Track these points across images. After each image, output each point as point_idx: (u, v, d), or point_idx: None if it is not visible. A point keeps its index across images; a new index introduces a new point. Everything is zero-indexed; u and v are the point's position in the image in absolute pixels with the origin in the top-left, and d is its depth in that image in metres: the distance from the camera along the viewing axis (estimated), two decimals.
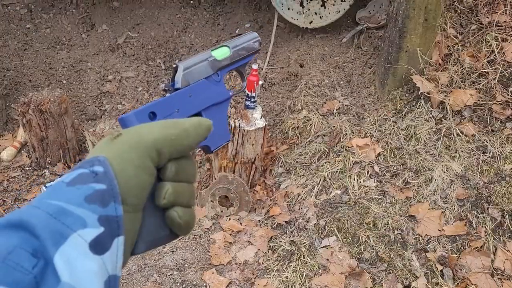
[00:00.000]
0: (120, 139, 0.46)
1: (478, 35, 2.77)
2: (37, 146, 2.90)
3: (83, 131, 3.04)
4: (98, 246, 0.40)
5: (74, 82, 3.51)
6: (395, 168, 2.56)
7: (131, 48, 3.75)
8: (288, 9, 3.35)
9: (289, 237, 2.44)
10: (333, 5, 3.23)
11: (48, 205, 0.40)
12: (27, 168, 2.99)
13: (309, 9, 3.30)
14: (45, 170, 2.97)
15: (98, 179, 0.42)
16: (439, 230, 2.26)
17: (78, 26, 3.84)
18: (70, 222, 0.39)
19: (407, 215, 2.37)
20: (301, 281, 2.21)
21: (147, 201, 0.45)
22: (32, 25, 3.83)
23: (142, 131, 0.47)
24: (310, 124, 2.90)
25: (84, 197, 0.41)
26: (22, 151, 3.08)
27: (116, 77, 3.56)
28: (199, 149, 0.59)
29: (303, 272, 2.24)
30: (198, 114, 0.57)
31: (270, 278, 2.26)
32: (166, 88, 0.55)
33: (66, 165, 3.00)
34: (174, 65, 0.56)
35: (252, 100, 2.63)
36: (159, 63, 3.67)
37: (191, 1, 3.98)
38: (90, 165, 0.43)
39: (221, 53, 0.59)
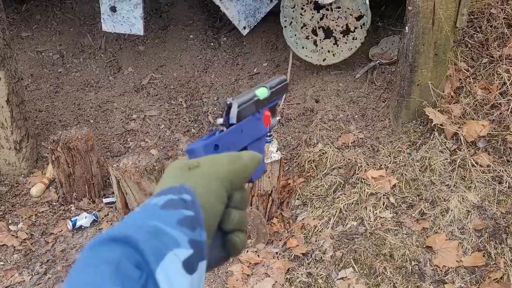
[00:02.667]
0: (199, 170, 0.52)
1: (489, 68, 2.83)
2: (64, 182, 3.04)
3: (108, 167, 3.18)
4: (189, 266, 0.44)
5: (100, 121, 3.70)
6: (410, 199, 2.57)
7: (155, 88, 3.94)
8: (303, 47, 3.49)
9: (306, 269, 2.46)
10: (345, 43, 3.36)
11: (148, 224, 0.44)
12: (54, 203, 3.13)
13: (322, 48, 3.43)
14: (71, 205, 3.10)
15: (187, 206, 0.47)
16: (457, 261, 2.24)
17: (105, 69, 4.08)
18: (167, 241, 0.43)
19: (424, 246, 2.36)
20: None
21: None
22: (63, 69, 4.09)
23: (216, 163, 0.53)
24: (326, 157, 2.96)
25: (176, 220, 0.45)
26: (51, 187, 3.23)
27: (140, 115, 3.74)
28: None
29: None
30: (245, 148, 0.63)
31: None
32: (224, 123, 0.60)
33: (91, 200, 3.13)
34: (228, 102, 0.61)
35: (268, 134, 2.72)
36: (181, 101, 3.84)
37: (211, 43, 4.19)
38: (178, 193, 0.48)
39: (262, 93, 0.65)
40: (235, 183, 0.52)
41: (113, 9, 3.49)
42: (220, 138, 0.58)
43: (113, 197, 3.08)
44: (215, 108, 3.76)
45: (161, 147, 3.52)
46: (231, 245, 0.52)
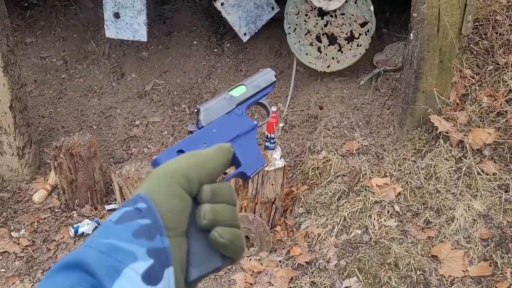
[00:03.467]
0: (150, 175, 0.50)
1: (495, 75, 2.81)
2: (67, 188, 3.03)
3: (110, 173, 3.17)
4: (150, 278, 0.43)
5: (103, 128, 3.69)
6: (415, 207, 2.54)
7: (158, 95, 3.93)
8: (307, 54, 3.48)
9: (309, 278, 2.43)
10: (350, 49, 3.35)
11: (100, 243, 0.43)
12: (56, 210, 3.12)
13: (326, 54, 3.42)
14: (73, 212, 3.09)
15: (142, 215, 0.45)
16: (463, 270, 2.21)
17: (109, 75, 4.08)
18: (122, 257, 0.42)
19: (429, 255, 2.33)
20: None
21: (192, 227, 0.48)
22: (67, 75, 4.09)
23: (167, 163, 0.51)
24: (330, 165, 2.94)
25: (132, 233, 0.44)
26: (53, 194, 3.21)
27: (143, 122, 3.73)
28: (235, 177, 0.62)
29: None
30: None
31: None
32: (192, 130, 0.60)
33: (93, 206, 3.11)
34: (195, 110, 0.61)
35: (272, 141, 2.70)
36: (184, 108, 3.83)
37: (215, 50, 4.19)
38: (133, 203, 0.46)
39: (238, 90, 0.64)
40: (197, 176, 0.50)
41: (117, 15, 3.49)
42: (183, 143, 0.56)
43: (115, 203, 3.06)
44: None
45: None
46: (213, 243, 0.49)
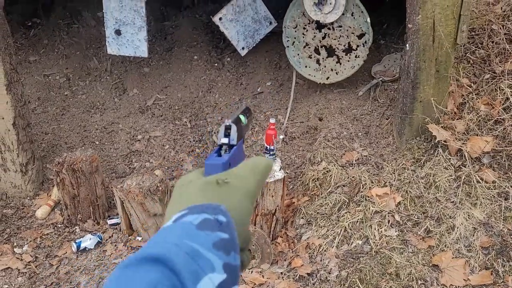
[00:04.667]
0: (229, 187, 0.54)
1: (491, 84, 2.82)
2: (69, 203, 3.06)
3: (112, 188, 3.19)
4: None
5: (106, 143, 3.73)
6: (416, 216, 2.54)
7: (159, 109, 3.98)
8: (306, 66, 3.52)
9: None
10: (348, 61, 3.38)
11: (186, 245, 0.45)
12: (59, 225, 3.14)
13: (325, 66, 3.45)
14: (76, 227, 3.11)
15: (222, 229, 0.48)
16: (464, 279, 2.20)
17: (111, 91, 4.14)
18: (203, 265, 0.44)
19: (430, 264, 2.32)
20: None
21: None
22: (69, 92, 4.15)
23: (243, 179, 0.56)
24: (330, 175, 2.95)
25: (212, 243, 0.46)
26: (56, 209, 3.24)
27: (145, 136, 3.76)
28: None
29: None
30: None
31: None
32: (225, 142, 0.66)
33: (96, 221, 3.13)
34: (226, 124, 0.67)
35: (271, 153, 2.72)
36: (185, 122, 3.87)
37: (215, 64, 4.24)
38: (213, 213, 0.49)
39: (243, 119, 0.74)
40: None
41: (118, 32, 3.55)
42: (231, 156, 0.64)
43: (117, 218, 3.08)
44: (219, 128, 3.78)
45: (166, 168, 3.54)
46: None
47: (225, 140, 0.66)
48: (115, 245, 2.95)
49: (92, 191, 3.05)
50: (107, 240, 3.01)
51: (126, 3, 3.38)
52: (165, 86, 4.15)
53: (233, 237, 0.49)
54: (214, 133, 3.75)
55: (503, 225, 2.32)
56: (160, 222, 2.92)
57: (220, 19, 3.40)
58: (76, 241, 2.93)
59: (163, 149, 3.68)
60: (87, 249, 2.92)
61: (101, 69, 4.31)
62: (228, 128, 0.66)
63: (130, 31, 3.51)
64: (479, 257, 2.26)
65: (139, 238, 2.97)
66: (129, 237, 2.99)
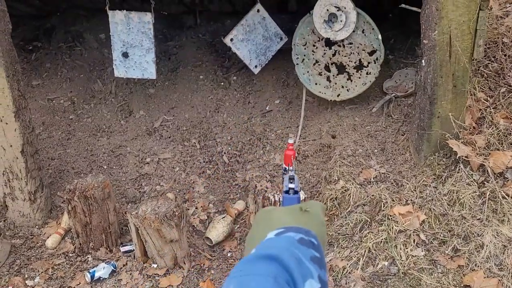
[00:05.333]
0: (310, 214, 0.68)
1: (509, 97, 2.81)
2: (81, 231, 2.96)
3: (125, 213, 3.11)
4: None
5: (114, 167, 3.66)
6: (442, 235, 2.49)
7: (167, 131, 3.92)
8: (316, 84, 3.49)
9: None
10: (359, 78, 3.36)
11: (293, 252, 0.55)
12: (70, 255, 3.04)
13: (335, 83, 3.43)
14: (88, 256, 3.01)
15: (315, 248, 0.59)
16: None
17: (117, 114, 4.07)
18: (306, 271, 0.54)
19: (461, 285, 2.26)
20: None
21: None
22: (74, 115, 4.08)
23: (318, 211, 0.71)
24: (349, 194, 2.89)
25: (309, 257, 0.56)
26: (66, 238, 3.14)
27: (154, 159, 3.69)
28: None
29: None
30: None
31: None
32: (295, 190, 0.87)
33: (108, 249, 3.04)
34: (290, 174, 0.90)
35: (290, 173, 2.66)
36: (194, 143, 3.81)
37: (222, 83, 4.20)
38: (307, 235, 0.60)
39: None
40: None
41: (125, 55, 3.51)
42: (299, 198, 0.85)
43: (130, 245, 2.99)
44: (229, 148, 3.72)
45: (177, 191, 3.46)
46: None
47: (292, 186, 0.86)
48: (130, 274, 2.86)
49: (104, 218, 2.97)
50: (121, 268, 2.91)
51: (133, 26, 3.34)
52: (171, 107, 4.10)
53: (323, 257, 0.59)
54: (224, 153, 3.69)
55: None
56: (176, 248, 2.83)
57: (231, 40, 3.37)
58: (90, 270, 2.83)
59: (173, 172, 3.61)
60: (101, 278, 2.83)
61: (106, 91, 4.25)
62: (291, 178, 0.88)
63: (138, 53, 3.46)
64: (511, 275, 2.21)
65: (155, 266, 2.88)
66: (144, 265, 2.90)
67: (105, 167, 3.65)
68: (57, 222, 3.23)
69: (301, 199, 0.92)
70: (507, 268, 2.24)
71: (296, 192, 0.93)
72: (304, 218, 0.66)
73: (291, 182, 0.87)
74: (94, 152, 3.77)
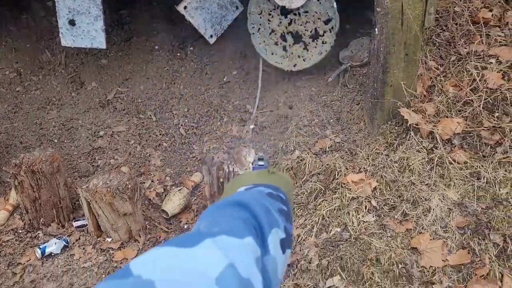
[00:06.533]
0: (277, 175, 0.74)
1: (458, 65, 2.86)
2: (30, 207, 2.86)
3: (76, 188, 3.01)
4: (283, 246, 0.55)
5: (65, 141, 3.52)
6: (392, 201, 2.55)
7: (121, 103, 3.79)
8: (272, 54, 3.44)
9: (292, 280, 2.38)
10: (315, 47, 3.34)
11: (262, 203, 0.56)
12: (20, 231, 2.93)
13: (292, 53, 3.39)
14: (39, 232, 2.92)
15: (283, 202, 0.62)
16: (443, 260, 2.22)
17: (67, 86, 3.90)
18: (273, 220, 0.55)
19: (409, 247, 2.33)
20: None
21: None
22: (21, 87, 3.88)
23: (284, 175, 0.77)
24: (304, 164, 2.91)
25: (277, 209, 0.59)
26: (15, 214, 3.03)
27: (108, 132, 3.58)
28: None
29: None
30: None
31: None
32: (262, 165, 0.89)
33: (60, 224, 2.95)
34: (260, 155, 0.93)
35: (260, 155, 2.64)
36: (150, 115, 3.71)
37: (178, 54, 4.09)
38: (276, 191, 0.63)
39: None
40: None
41: (72, 22, 3.33)
42: (268, 166, 0.89)
43: (83, 220, 2.91)
44: (186, 120, 3.65)
45: (132, 164, 3.38)
46: None
47: (262, 163, 0.89)
48: (83, 248, 2.80)
49: (54, 193, 2.87)
50: (74, 243, 2.84)
51: None
52: (125, 79, 3.96)
53: (290, 212, 0.63)
54: (181, 125, 3.62)
55: (476, 204, 2.36)
56: (130, 221, 2.78)
57: (185, 8, 3.26)
58: (40, 246, 2.75)
59: (128, 145, 3.51)
60: (53, 254, 2.75)
61: (55, 62, 4.05)
62: (261, 158, 0.91)
63: (85, 21, 3.29)
64: (455, 237, 2.30)
65: (109, 239, 2.83)
66: (98, 239, 2.84)
67: (55, 141, 3.51)
68: (4, 198, 3.10)
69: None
70: (452, 230, 2.32)
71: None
72: (272, 177, 0.70)
73: (260, 160, 0.91)
74: (44, 125, 3.61)
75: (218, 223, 0.50)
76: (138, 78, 3.94)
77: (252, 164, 0.89)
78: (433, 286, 2.17)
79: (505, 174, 2.40)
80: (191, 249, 0.42)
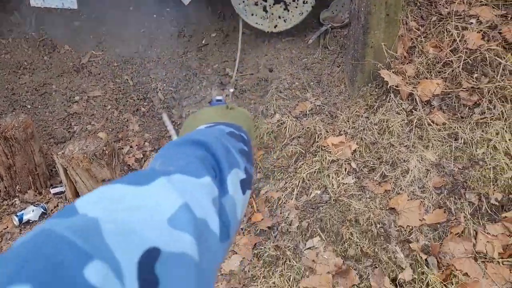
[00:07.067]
0: (236, 110, 0.71)
1: (439, 26, 2.83)
2: (5, 174, 2.79)
3: (52, 155, 2.95)
4: (243, 187, 0.53)
5: (39, 106, 3.41)
6: (371, 163, 2.57)
7: (96, 67, 3.67)
8: (252, 14, 3.35)
9: (273, 242, 2.41)
10: (296, 7, 3.25)
11: (222, 143, 0.54)
12: None
13: (272, 14, 3.31)
14: (15, 199, 2.86)
15: (244, 142, 0.59)
16: (419, 220, 2.27)
17: (39, 49, 3.75)
18: (233, 160, 0.53)
19: (387, 208, 2.37)
20: (289, 285, 2.17)
21: None
22: None
23: (244, 109, 0.73)
24: (285, 127, 2.89)
25: (238, 149, 0.56)
26: None
27: (83, 97, 3.48)
28: None
29: (290, 276, 2.21)
30: None
31: (257, 285, 2.22)
32: (220, 99, 0.88)
33: (37, 191, 2.90)
34: (217, 98, 0.90)
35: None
36: (127, 79, 3.61)
37: (154, 15, 3.94)
38: (238, 130, 0.60)
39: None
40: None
41: None
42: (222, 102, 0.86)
43: (61, 186, 2.87)
44: (164, 84, 3.57)
45: (110, 130, 3.31)
46: None
47: (219, 97, 0.86)
48: None
49: (29, 160, 2.80)
50: (52, 210, 2.81)
51: None
52: (100, 41, 3.82)
53: (251, 152, 0.59)
54: (159, 89, 3.54)
55: (453, 164, 2.40)
56: None
57: None
58: (18, 214, 2.71)
59: (105, 110, 3.43)
60: (31, 221, 2.71)
61: (25, 24, 3.87)
62: (219, 99, 0.88)
63: None
64: (432, 197, 2.34)
65: None
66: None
67: (29, 106, 3.40)
68: None
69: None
70: (429, 190, 2.36)
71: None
72: (232, 114, 0.67)
73: (218, 95, 0.90)
74: (16, 91, 3.48)
75: (175, 161, 0.47)
76: (113, 41, 3.81)
77: (210, 102, 0.86)
78: (410, 244, 2.22)
79: (482, 135, 2.42)
80: (143, 187, 0.39)
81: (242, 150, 0.56)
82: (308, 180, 2.61)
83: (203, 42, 3.75)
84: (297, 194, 2.58)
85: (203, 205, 0.42)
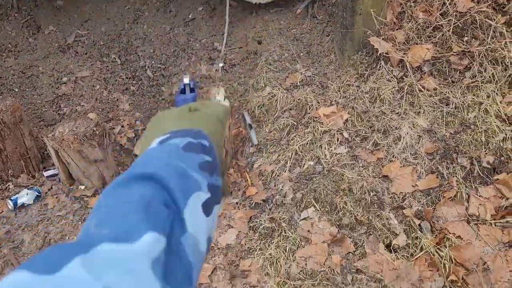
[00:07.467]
0: (202, 113, 0.60)
1: None
2: None
3: (43, 137, 2.92)
4: (206, 209, 0.48)
5: (27, 89, 3.36)
6: (363, 132, 2.57)
7: (83, 47, 3.61)
8: None
9: (268, 215, 2.43)
10: None
11: (175, 164, 0.48)
12: None
13: None
14: (9, 183, 2.85)
15: (205, 151, 0.52)
16: (412, 186, 2.28)
17: (23, 31, 3.67)
18: (191, 184, 0.47)
19: (380, 176, 2.38)
20: (285, 256, 2.20)
21: None
22: None
23: (212, 107, 0.63)
24: (276, 100, 2.87)
25: (198, 164, 0.49)
26: None
27: (71, 78, 3.43)
28: None
29: (286, 246, 2.24)
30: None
31: (254, 257, 2.25)
32: (191, 87, 0.91)
33: (30, 175, 2.89)
34: (185, 82, 0.93)
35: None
36: (114, 58, 3.55)
37: None
38: (195, 137, 0.53)
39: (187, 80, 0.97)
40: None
41: None
42: (197, 95, 0.86)
43: (54, 169, 2.85)
44: (152, 61, 3.52)
45: (100, 110, 3.28)
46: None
47: (186, 81, 0.84)
48: (57, 197, 2.76)
49: (20, 144, 2.77)
50: (46, 193, 2.80)
51: None
52: (85, 20, 3.74)
53: (215, 159, 0.52)
54: (148, 67, 3.49)
55: (445, 130, 2.40)
56: (102, 168, 2.74)
57: None
58: (12, 198, 2.70)
59: (94, 90, 3.38)
60: (25, 205, 2.71)
61: (6, 5, 3.77)
62: (186, 77, 0.87)
63: None
64: (425, 163, 2.35)
65: (82, 187, 2.79)
66: (71, 187, 2.80)
67: (16, 89, 3.35)
68: None
69: (197, 97, 0.93)
70: (421, 156, 2.37)
71: (192, 90, 0.92)
72: (195, 118, 0.58)
73: (185, 77, 0.86)
74: (2, 74, 3.43)
75: (111, 219, 0.40)
76: (98, 19, 3.73)
77: (175, 93, 0.87)
78: (404, 210, 2.24)
79: (473, 99, 2.42)
80: (50, 276, 0.33)
81: (202, 164, 0.50)
82: (301, 152, 2.61)
83: (190, 16, 3.68)
84: (290, 166, 2.58)
85: (133, 281, 0.36)
